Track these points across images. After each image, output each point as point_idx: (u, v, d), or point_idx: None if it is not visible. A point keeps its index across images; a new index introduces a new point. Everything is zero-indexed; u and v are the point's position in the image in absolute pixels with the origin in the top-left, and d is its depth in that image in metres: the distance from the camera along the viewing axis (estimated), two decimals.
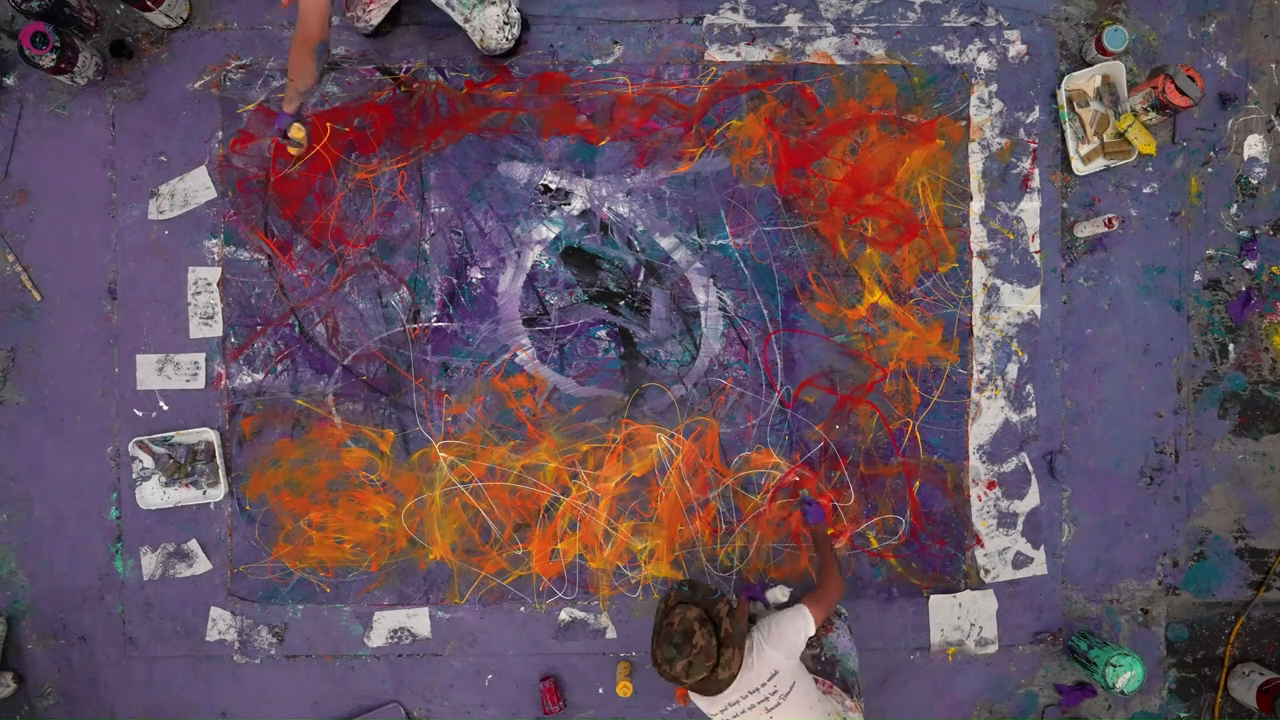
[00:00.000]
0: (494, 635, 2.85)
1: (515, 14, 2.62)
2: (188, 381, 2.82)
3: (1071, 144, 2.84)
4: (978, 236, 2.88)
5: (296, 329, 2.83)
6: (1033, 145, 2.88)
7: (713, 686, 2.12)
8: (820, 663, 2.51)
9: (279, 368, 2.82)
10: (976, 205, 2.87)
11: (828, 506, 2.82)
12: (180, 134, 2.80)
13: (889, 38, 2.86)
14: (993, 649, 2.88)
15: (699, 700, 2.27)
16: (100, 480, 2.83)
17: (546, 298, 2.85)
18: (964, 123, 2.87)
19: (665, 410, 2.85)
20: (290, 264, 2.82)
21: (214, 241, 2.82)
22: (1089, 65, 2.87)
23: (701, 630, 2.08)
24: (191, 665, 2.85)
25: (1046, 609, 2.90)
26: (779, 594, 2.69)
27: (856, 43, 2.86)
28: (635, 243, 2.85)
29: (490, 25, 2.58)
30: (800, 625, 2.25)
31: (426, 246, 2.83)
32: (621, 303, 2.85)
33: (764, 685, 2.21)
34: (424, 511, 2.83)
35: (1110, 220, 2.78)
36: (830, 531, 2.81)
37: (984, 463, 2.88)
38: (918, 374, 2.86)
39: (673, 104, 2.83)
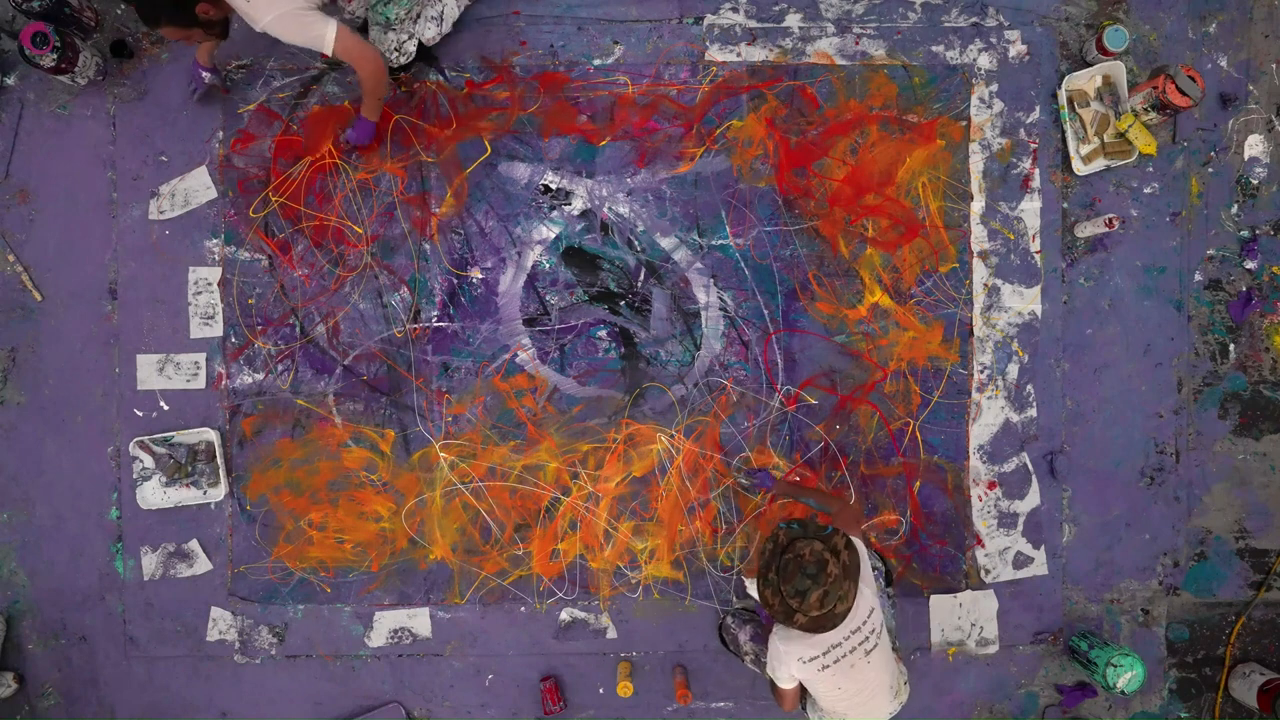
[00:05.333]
0: (494, 635, 2.85)
1: (411, 48, 2.68)
2: (188, 381, 2.82)
3: (1072, 144, 2.84)
4: (978, 236, 2.88)
5: (297, 329, 2.83)
6: (1033, 145, 2.88)
7: (827, 622, 2.06)
8: None
9: (279, 368, 2.82)
10: (977, 205, 2.87)
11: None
12: (181, 134, 2.80)
13: (889, 38, 2.86)
14: (993, 649, 2.88)
15: (797, 646, 2.18)
16: (101, 480, 2.83)
17: (547, 298, 2.85)
18: (964, 123, 2.87)
19: (666, 410, 2.85)
20: (291, 264, 2.82)
21: (214, 241, 2.82)
22: (1089, 65, 2.87)
23: (833, 560, 2.04)
24: (192, 665, 2.84)
25: (1047, 609, 2.90)
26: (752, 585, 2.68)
27: (857, 43, 2.86)
28: (636, 243, 2.85)
29: (384, 47, 2.66)
30: (862, 551, 2.23)
31: (426, 246, 2.83)
32: (622, 303, 2.85)
33: (864, 624, 2.19)
34: (424, 511, 2.83)
35: (1111, 220, 2.78)
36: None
37: (984, 463, 2.88)
38: (918, 374, 2.86)
39: (673, 104, 2.83)
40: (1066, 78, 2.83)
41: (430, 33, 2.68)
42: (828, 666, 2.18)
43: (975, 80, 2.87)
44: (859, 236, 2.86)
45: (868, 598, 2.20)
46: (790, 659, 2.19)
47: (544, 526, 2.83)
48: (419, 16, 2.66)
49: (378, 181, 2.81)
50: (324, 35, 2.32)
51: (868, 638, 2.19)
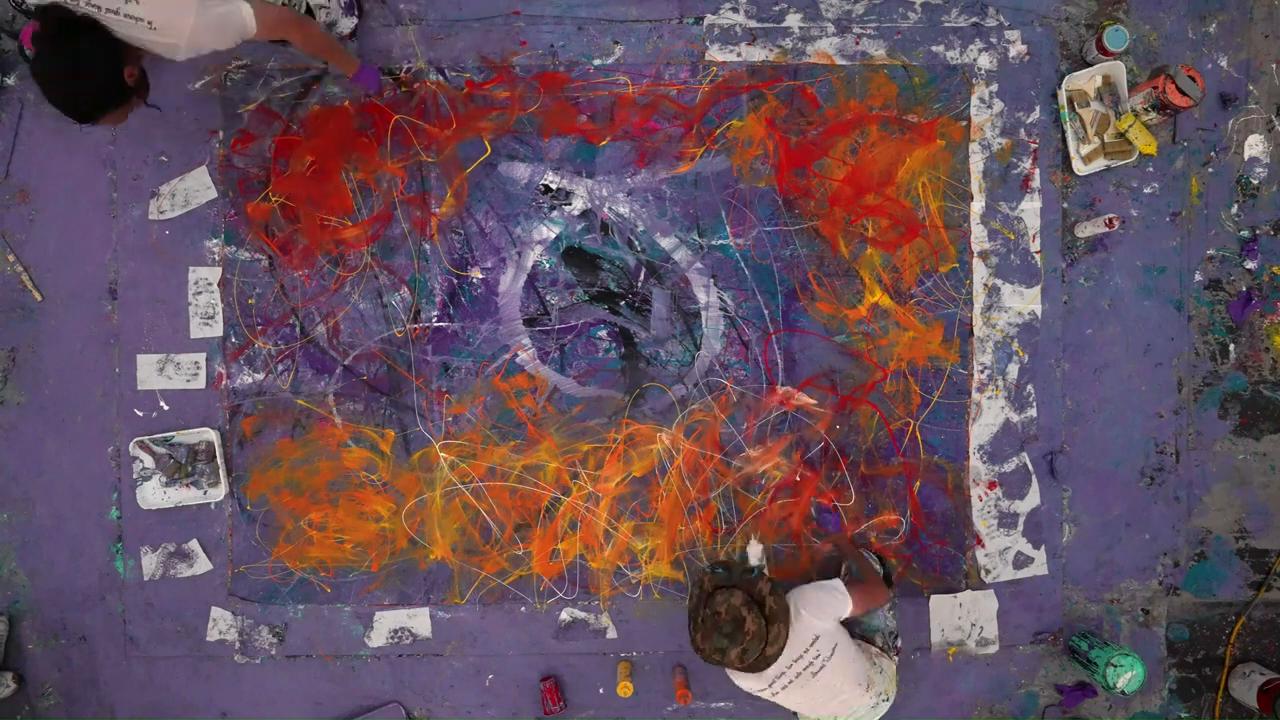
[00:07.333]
0: (494, 635, 2.85)
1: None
2: (188, 381, 2.82)
3: (1072, 144, 2.84)
4: (978, 236, 2.88)
5: (297, 329, 2.83)
6: (1033, 145, 2.88)
7: (760, 664, 2.10)
8: (858, 633, 2.54)
9: (279, 368, 2.82)
10: (977, 205, 2.87)
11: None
12: (181, 134, 2.80)
13: (889, 38, 2.86)
14: (993, 649, 2.88)
15: (741, 680, 2.27)
16: (101, 480, 2.83)
17: (547, 298, 2.85)
18: (964, 123, 2.87)
19: (666, 410, 2.85)
20: (291, 264, 2.82)
21: (214, 241, 2.82)
22: (1089, 65, 2.86)
23: (751, 615, 2.04)
24: (192, 665, 2.85)
25: (1047, 609, 2.90)
26: (754, 551, 2.71)
27: (857, 43, 2.86)
28: (636, 243, 2.85)
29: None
30: (837, 604, 2.26)
31: (426, 246, 2.83)
32: (622, 303, 2.85)
33: (807, 651, 2.21)
34: (424, 511, 2.83)
35: (1111, 220, 2.78)
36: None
37: (984, 463, 2.88)
38: (918, 374, 2.86)
39: (673, 104, 2.83)
40: (1066, 78, 2.83)
41: None
42: (778, 694, 2.27)
43: (975, 80, 2.87)
44: (859, 236, 2.86)
45: (811, 627, 2.22)
46: (741, 685, 2.30)
47: (544, 526, 2.83)
48: None
49: (378, 181, 2.81)
50: (245, 21, 2.12)
51: (811, 663, 2.22)
